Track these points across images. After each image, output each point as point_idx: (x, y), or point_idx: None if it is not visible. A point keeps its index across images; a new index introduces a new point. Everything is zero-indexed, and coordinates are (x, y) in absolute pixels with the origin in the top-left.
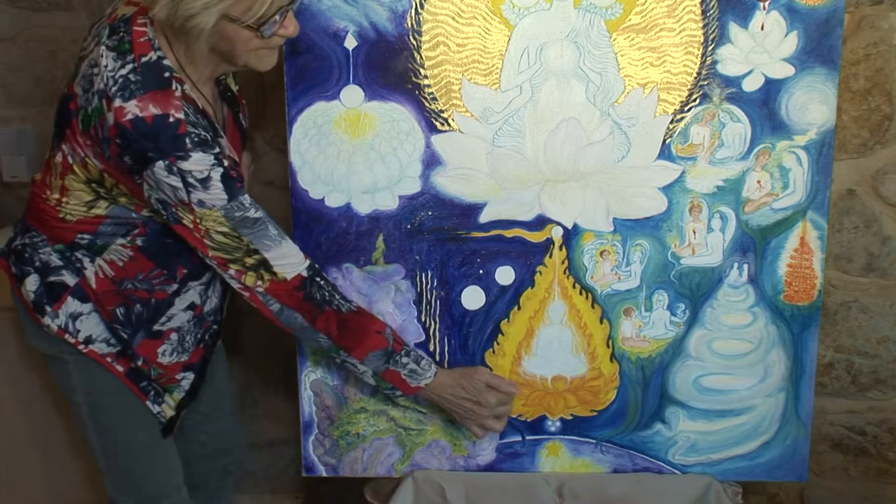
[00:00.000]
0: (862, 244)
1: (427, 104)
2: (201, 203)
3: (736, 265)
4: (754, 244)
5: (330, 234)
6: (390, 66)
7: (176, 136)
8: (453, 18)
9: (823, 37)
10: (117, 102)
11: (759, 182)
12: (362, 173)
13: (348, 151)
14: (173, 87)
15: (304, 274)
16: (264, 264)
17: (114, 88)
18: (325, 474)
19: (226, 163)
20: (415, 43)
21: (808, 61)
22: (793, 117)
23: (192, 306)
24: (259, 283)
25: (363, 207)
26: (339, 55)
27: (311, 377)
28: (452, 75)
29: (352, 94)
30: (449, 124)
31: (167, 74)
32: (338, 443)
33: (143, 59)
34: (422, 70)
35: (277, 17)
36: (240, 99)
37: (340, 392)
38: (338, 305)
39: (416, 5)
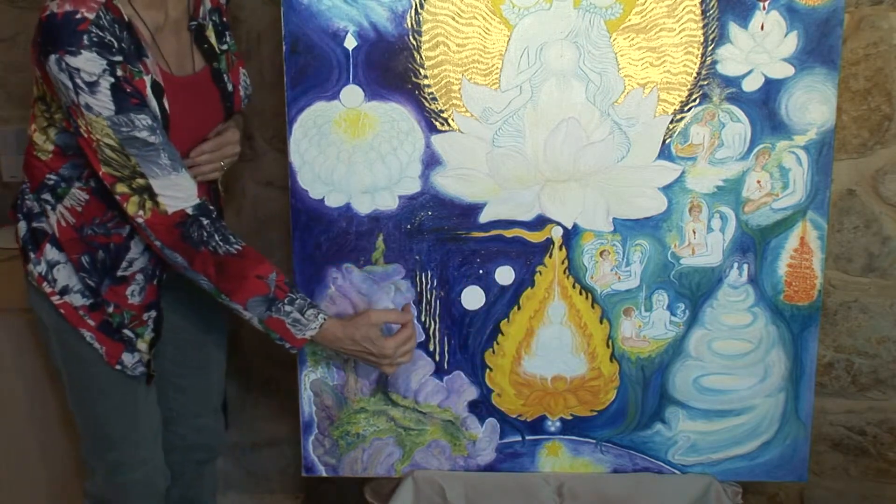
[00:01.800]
0: (862, 244)
1: (427, 104)
2: (88, 107)
3: (736, 265)
4: (754, 244)
5: (330, 234)
6: (390, 66)
7: (74, 31)
8: (453, 18)
9: (823, 37)
10: (46, 2)
11: (758, 182)
12: (362, 173)
13: (348, 151)
14: None
15: (189, 211)
16: (149, 190)
17: None
18: (325, 474)
19: (120, 73)
20: (415, 43)
21: (808, 61)
22: (793, 117)
23: (148, 248)
24: (141, 212)
25: (363, 207)
26: (339, 55)
27: (311, 377)
28: (452, 75)
29: (352, 94)
30: (449, 124)
31: None
32: (338, 443)
33: None
34: (422, 70)
35: None
36: (238, 64)
37: (340, 392)
38: (214, 247)
39: (416, 5)
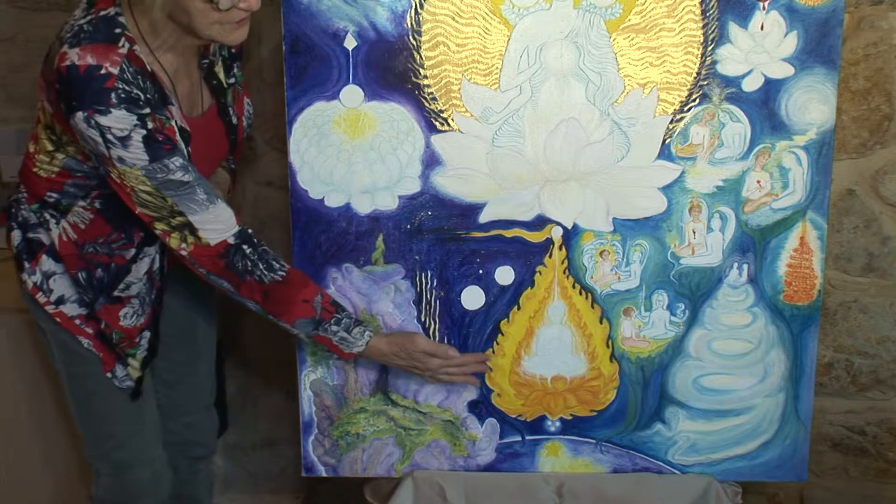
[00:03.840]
0: (862, 244)
1: (427, 104)
2: (121, 160)
3: (736, 265)
4: (754, 244)
5: (330, 234)
6: (390, 66)
7: (101, 90)
8: (453, 18)
9: (823, 37)
10: (64, 48)
11: (758, 182)
12: (362, 173)
13: (348, 151)
14: (119, 44)
15: (230, 241)
16: (189, 227)
17: (68, 35)
18: (325, 474)
19: (151, 125)
20: (414, 43)
21: (808, 61)
22: (792, 117)
23: (147, 273)
24: (184, 245)
25: (363, 207)
26: (339, 55)
27: (311, 377)
28: (452, 75)
29: (351, 93)
30: (449, 124)
31: (118, 31)
32: (338, 443)
33: (102, 13)
34: (421, 70)
35: None
36: (241, 95)
37: (340, 392)
38: (260, 276)
39: (416, 5)
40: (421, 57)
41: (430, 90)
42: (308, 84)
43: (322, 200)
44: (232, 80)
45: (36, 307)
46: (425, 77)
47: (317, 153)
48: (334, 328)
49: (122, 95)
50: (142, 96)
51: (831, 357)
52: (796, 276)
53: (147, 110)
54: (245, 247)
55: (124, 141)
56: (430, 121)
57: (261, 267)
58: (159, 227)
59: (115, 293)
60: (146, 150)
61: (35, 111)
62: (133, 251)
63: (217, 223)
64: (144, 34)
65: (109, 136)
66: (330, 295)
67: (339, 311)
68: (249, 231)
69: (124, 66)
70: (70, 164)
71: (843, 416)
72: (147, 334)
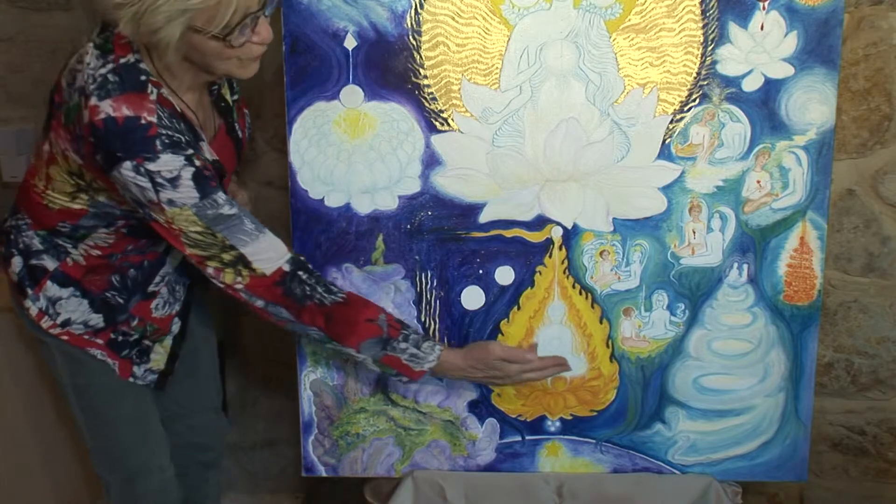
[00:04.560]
0: (861, 244)
1: (427, 104)
2: (171, 202)
3: (735, 265)
4: (754, 244)
5: (330, 234)
6: (390, 66)
7: (146, 138)
8: (453, 18)
9: (823, 37)
10: (93, 101)
11: (758, 182)
12: (362, 173)
13: (348, 151)
14: (148, 91)
15: (286, 268)
16: (242, 260)
17: (92, 86)
18: (324, 474)
19: (198, 163)
20: (414, 43)
21: (808, 61)
22: (792, 117)
23: (181, 262)
24: (238, 279)
25: (363, 207)
26: (339, 55)
27: (310, 377)
28: (452, 75)
29: (351, 93)
30: (449, 124)
31: (143, 78)
32: (337, 443)
33: (122, 61)
34: (421, 70)
35: (248, 22)
36: (241, 108)
37: (340, 392)
38: (320, 299)
39: (416, 5)
40: (421, 57)
41: (430, 90)
42: (308, 84)
43: (322, 200)
44: (235, 97)
45: (38, 329)
46: (425, 77)
47: (317, 153)
48: (403, 345)
49: (166, 140)
50: (182, 138)
51: (831, 357)
52: (796, 276)
53: (190, 150)
54: (300, 273)
55: (174, 182)
56: (430, 121)
57: (319, 290)
58: (211, 265)
59: (150, 288)
60: (196, 188)
61: (39, 150)
62: (164, 244)
63: (269, 251)
64: (164, 77)
65: (159, 180)
66: (392, 314)
67: (405, 327)
68: (302, 257)
69: (160, 113)
70: (96, 206)
71: (843, 416)
72: (178, 320)
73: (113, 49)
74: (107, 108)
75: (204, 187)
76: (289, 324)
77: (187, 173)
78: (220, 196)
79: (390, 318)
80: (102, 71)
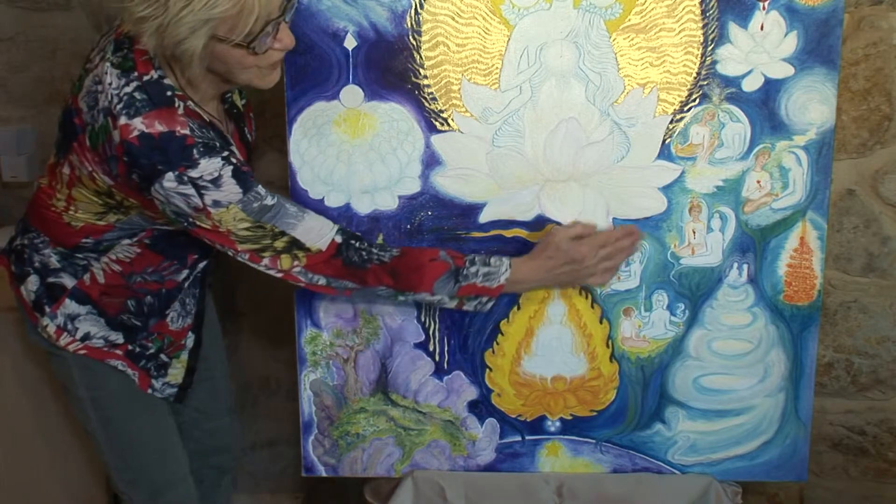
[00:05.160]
0: (861, 244)
1: (427, 104)
2: (217, 203)
3: (735, 265)
4: (754, 244)
5: None
6: (390, 66)
7: (184, 147)
8: (453, 18)
9: (823, 37)
10: (122, 120)
11: (758, 182)
12: (362, 173)
13: (348, 151)
14: (176, 105)
15: (338, 240)
16: (295, 243)
17: (119, 106)
18: (324, 474)
19: (234, 161)
20: (414, 43)
21: (808, 61)
22: (792, 117)
23: (192, 277)
24: (296, 262)
25: (363, 207)
26: (339, 55)
27: (310, 377)
28: (452, 75)
29: (351, 93)
30: (448, 124)
31: (169, 93)
32: (337, 443)
33: (146, 78)
34: (421, 70)
35: (270, 29)
36: (248, 112)
37: (340, 392)
38: (379, 259)
39: (416, 5)
40: (421, 57)
41: (430, 90)
42: (308, 84)
43: (322, 200)
44: (243, 101)
45: (55, 346)
46: (425, 77)
47: (317, 153)
48: (473, 269)
49: (202, 148)
50: (217, 143)
51: (831, 357)
52: (796, 276)
53: (226, 151)
54: (352, 241)
55: (217, 181)
56: (430, 121)
57: (375, 251)
58: (266, 255)
59: (168, 311)
60: (238, 184)
61: (55, 171)
62: (186, 272)
63: (318, 228)
64: (187, 91)
65: (202, 183)
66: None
67: (466, 254)
68: (345, 226)
69: (191, 125)
70: (126, 222)
71: (843, 416)
72: (191, 334)
73: (134, 67)
74: (139, 125)
75: (245, 182)
76: (355, 292)
77: (227, 172)
78: (260, 188)
79: (450, 251)
80: (127, 90)
